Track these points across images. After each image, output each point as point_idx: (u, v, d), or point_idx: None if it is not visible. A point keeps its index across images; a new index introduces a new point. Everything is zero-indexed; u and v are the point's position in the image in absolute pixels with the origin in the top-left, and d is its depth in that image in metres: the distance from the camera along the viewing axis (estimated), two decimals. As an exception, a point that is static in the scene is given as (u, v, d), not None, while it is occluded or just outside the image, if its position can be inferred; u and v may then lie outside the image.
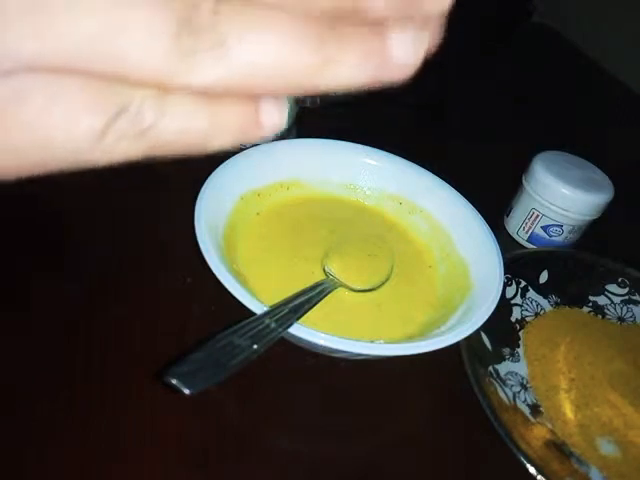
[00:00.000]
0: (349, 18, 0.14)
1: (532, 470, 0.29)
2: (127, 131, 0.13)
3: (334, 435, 0.31)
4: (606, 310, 0.41)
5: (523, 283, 0.40)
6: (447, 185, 0.40)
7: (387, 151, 0.42)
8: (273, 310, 0.27)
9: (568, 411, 0.34)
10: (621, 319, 0.41)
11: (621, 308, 0.42)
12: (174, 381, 0.20)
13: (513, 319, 0.38)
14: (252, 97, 0.15)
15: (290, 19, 0.13)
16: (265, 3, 0.13)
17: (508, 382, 0.34)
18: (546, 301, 0.40)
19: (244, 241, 0.36)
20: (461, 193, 0.40)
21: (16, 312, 0.32)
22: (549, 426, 0.33)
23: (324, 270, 0.35)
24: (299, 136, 0.50)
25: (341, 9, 0.14)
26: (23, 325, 0.32)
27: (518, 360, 0.36)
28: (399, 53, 0.15)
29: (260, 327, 0.25)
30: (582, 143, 0.53)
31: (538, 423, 0.33)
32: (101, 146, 0.13)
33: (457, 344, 0.30)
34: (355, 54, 0.14)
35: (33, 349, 0.31)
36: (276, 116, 0.16)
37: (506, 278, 0.37)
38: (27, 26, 0.11)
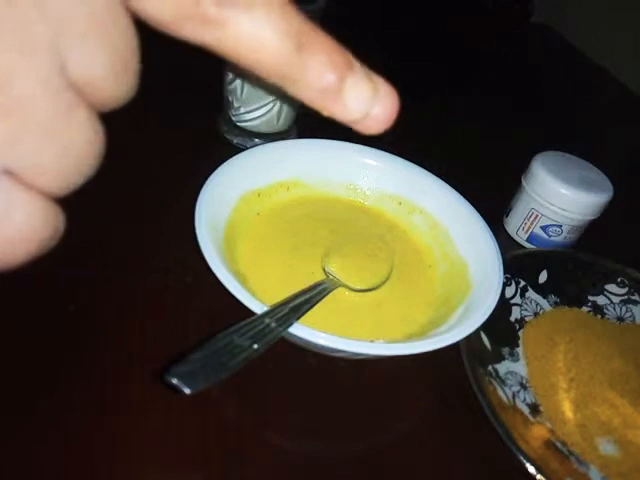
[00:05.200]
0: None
1: (531, 469, 0.29)
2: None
3: (334, 435, 0.31)
4: (605, 310, 0.42)
5: (522, 283, 0.40)
6: (447, 185, 0.40)
7: (387, 151, 0.42)
8: (273, 310, 0.27)
9: (567, 411, 0.34)
10: (620, 319, 0.41)
11: (620, 308, 0.42)
12: (174, 381, 0.20)
13: (512, 319, 0.38)
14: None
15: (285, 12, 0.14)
16: None
17: (507, 382, 0.34)
18: (545, 301, 0.40)
19: (244, 241, 0.36)
20: (461, 193, 0.40)
21: (16, 312, 0.33)
22: (548, 425, 0.33)
23: (324, 270, 0.35)
24: (299, 136, 0.51)
25: None
26: (23, 325, 0.32)
27: (517, 360, 0.36)
28: (350, 102, 0.16)
29: (260, 327, 0.25)
30: (582, 143, 0.54)
31: (537, 423, 0.33)
32: None
33: (457, 344, 0.30)
34: (319, 69, 0.15)
35: (33, 349, 0.31)
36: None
37: (505, 278, 0.37)
38: None
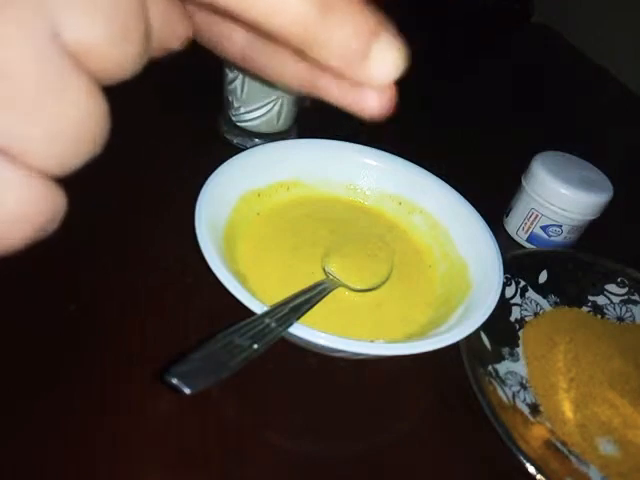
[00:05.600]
0: None
1: (532, 469, 0.29)
2: None
3: (334, 435, 0.31)
4: (605, 310, 0.42)
5: (522, 283, 0.40)
6: (447, 185, 0.40)
7: (387, 151, 0.42)
8: (273, 310, 0.27)
9: (567, 411, 0.34)
10: (620, 319, 0.41)
11: (620, 308, 0.42)
12: (174, 381, 0.20)
13: (512, 319, 0.38)
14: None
15: None
16: None
17: (507, 382, 0.34)
18: (545, 301, 0.40)
19: (244, 241, 0.36)
20: (461, 193, 0.40)
21: (16, 312, 0.33)
22: (548, 425, 0.33)
23: (324, 270, 0.35)
24: (299, 136, 0.51)
25: None
26: (23, 325, 0.32)
27: (517, 360, 0.36)
28: (376, 70, 0.15)
29: (260, 327, 0.25)
30: (582, 143, 0.53)
31: (537, 422, 0.33)
32: None
33: (457, 344, 0.30)
34: (345, 37, 0.14)
35: (33, 349, 0.31)
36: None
37: (505, 278, 0.37)
38: None
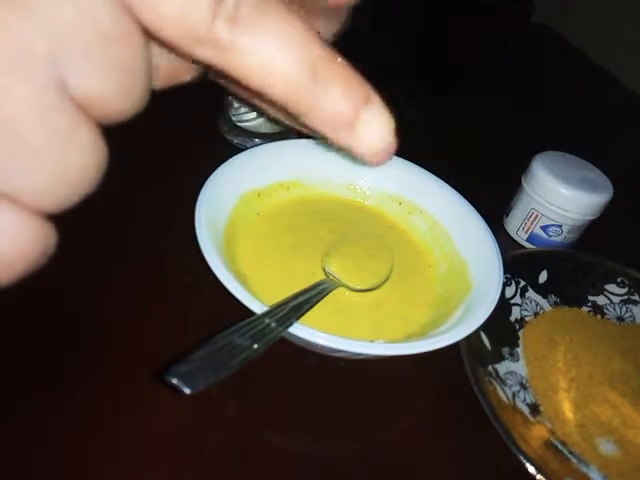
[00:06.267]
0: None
1: (532, 470, 0.29)
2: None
3: (334, 435, 0.31)
4: (605, 310, 0.42)
5: (522, 283, 0.40)
6: (447, 185, 0.40)
7: (387, 151, 0.42)
8: (273, 310, 0.27)
9: (567, 411, 0.34)
10: (620, 319, 0.41)
11: (620, 308, 0.42)
12: (174, 381, 0.20)
13: (512, 319, 0.38)
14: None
15: (301, 32, 0.14)
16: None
17: (507, 382, 0.34)
18: (545, 301, 0.40)
19: (244, 241, 0.36)
20: (461, 193, 0.40)
21: (16, 312, 0.32)
22: (548, 426, 0.33)
23: (324, 270, 0.35)
24: (299, 136, 0.51)
25: None
26: (23, 325, 0.32)
27: (517, 360, 0.36)
28: (367, 133, 0.16)
29: (260, 327, 0.25)
30: (582, 143, 0.53)
31: (537, 423, 0.33)
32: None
33: (456, 344, 0.30)
34: (337, 95, 0.15)
35: (33, 349, 0.31)
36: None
37: (505, 278, 0.37)
38: None
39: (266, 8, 0.13)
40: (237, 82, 0.14)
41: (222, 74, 0.14)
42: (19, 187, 0.12)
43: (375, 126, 0.16)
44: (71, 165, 0.12)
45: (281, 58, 0.14)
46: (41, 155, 0.12)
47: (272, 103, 0.15)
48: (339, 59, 0.15)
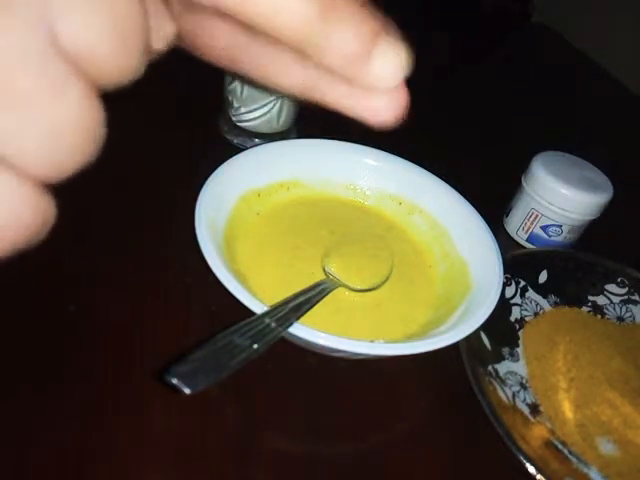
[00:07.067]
0: None
1: (532, 470, 0.29)
2: None
3: (334, 435, 0.31)
4: (605, 310, 0.42)
5: (522, 283, 0.40)
6: (447, 185, 0.40)
7: (387, 151, 0.42)
8: (273, 310, 0.27)
9: (567, 411, 0.34)
10: (620, 319, 0.41)
11: (620, 308, 0.42)
12: (174, 381, 0.20)
13: (512, 319, 0.38)
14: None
15: None
16: None
17: (507, 382, 0.34)
18: (545, 301, 0.40)
19: (244, 241, 0.36)
20: (461, 193, 0.40)
21: (16, 312, 0.33)
22: (548, 426, 0.33)
23: (324, 270, 0.35)
24: (299, 136, 0.51)
25: None
26: (23, 325, 0.32)
27: (517, 360, 0.36)
28: (378, 69, 0.15)
29: (260, 327, 0.25)
30: (582, 143, 0.53)
31: (537, 422, 0.33)
32: None
33: (456, 344, 0.30)
34: (347, 34, 0.14)
35: (33, 349, 0.31)
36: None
37: (505, 278, 0.37)
38: None
39: None
40: (228, 20, 0.13)
41: (196, 40, 0.13)
42: (13, 142, 0.12)
43: (391, 57, 0.15)
44: (64, 119, 0.12)
45: None
46: (33, 105, 0.11)
47: (266, 49, 0.14)
48: None
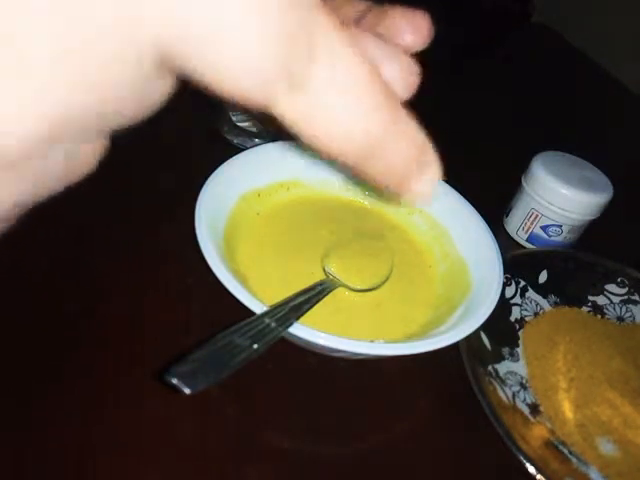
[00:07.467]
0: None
1: (532, 470, 0.29)
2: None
3: (334, 435, 0.31)
4: (605, 310, 0.42)
5: (522, 283, 0.40)
6: (447, 185, 0.40)
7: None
8: (273, 310, 0.27)
9: (567, 411, 0.34)
10: (620, 319, 0.41)
11: (620, 308, 0.42)
12: (174, 381, 0.20)
13: (512, 319, 0.38)
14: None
15: (372, 82, 0.13)
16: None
17: (507, 382, 0.34)
18: (545, 301, 0.40)
19: (244, 241, 0.36)
20: (461, 193, 0.40)
21: (16, 312, 0.33)
22: (548, 426, 0.33)
23: (324, 270, 0.35)
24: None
25: None
26: (23, 325, 0.32)
27: (517, 360, 0.36)
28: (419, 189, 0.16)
29: (260, 327, 0.25)
30: (582, 143, 0.53)
31: (537, 422, 0.33)
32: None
33: (457, 344, 0.30)
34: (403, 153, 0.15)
35: (33, 349, 0.31)
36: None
37: (505, 278, 0.37)
38: None
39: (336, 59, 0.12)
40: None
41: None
42: None
43: (431, 175, 0.16)
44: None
45: (357, 122, 0.13)
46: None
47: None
48: (402, 107, 0.14)
